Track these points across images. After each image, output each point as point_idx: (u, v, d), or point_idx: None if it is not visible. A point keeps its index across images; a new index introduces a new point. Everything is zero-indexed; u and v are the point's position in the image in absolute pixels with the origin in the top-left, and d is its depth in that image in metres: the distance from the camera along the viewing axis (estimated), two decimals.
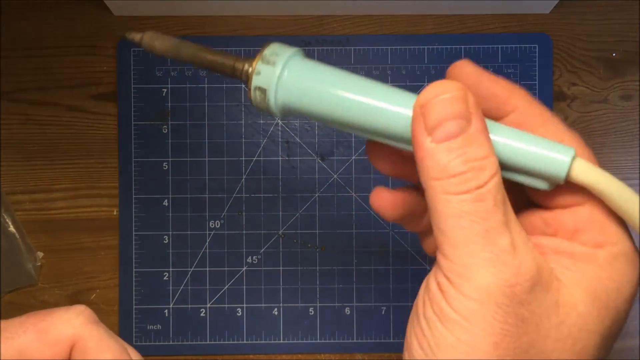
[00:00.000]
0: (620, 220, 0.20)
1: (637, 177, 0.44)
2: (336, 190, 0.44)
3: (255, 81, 0.21)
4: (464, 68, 0.23)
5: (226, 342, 0.44)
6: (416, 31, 0.45)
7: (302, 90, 0.20)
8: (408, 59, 0.44)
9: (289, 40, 0.44)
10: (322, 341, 0.44)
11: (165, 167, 0.44)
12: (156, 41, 0.23)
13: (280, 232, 0.44)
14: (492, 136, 0.20)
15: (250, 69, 0.21)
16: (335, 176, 0.44)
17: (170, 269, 0.44)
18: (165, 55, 0.22)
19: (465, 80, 0.22)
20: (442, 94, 0.19)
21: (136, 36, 0.24)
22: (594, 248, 0.20)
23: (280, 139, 0.44)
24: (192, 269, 0.44)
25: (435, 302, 0.19)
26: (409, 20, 0.45)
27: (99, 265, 0.44)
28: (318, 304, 0.44)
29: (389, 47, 0.44)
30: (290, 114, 0.21)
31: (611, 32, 0.45)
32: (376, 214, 0.42)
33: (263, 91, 0.20)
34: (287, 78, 0.20)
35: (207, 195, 0.44)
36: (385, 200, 0.24)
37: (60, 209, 0.44)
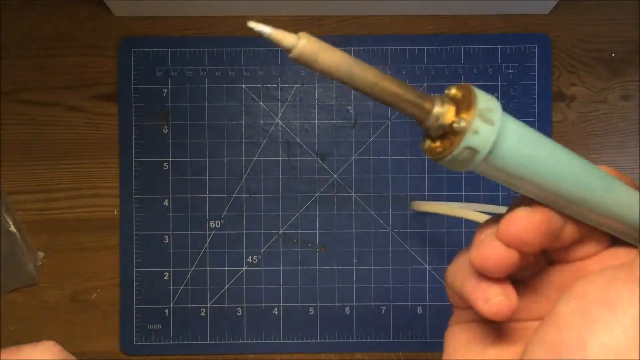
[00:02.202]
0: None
1: (637, 177, 0.44)
2: (336, 190, 0.44)
3: (470, 140, 0.17)
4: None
5: (226, 342, 0.44)
6: (416, 31, 0.45)
7: (523, 157, 0.18)
8: (408, 59, 0.44)
9: None
10: (322, 341, 0.44)
11: (165, 167, 0.44)
12: (322, 53, 0.17)
13: (280, 232, 0.44)
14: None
15: (465, 124, 0.17)
16: (335, 176, 0.44)
17: (171, 269, 0.44)
18: (327, 74, 0.17)
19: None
20: None
21: (288, 39, 0.16)
22: None
23: (280, 139, 0.44)
24: (192, 268, 0.44)
25: None
26: (409, 21, 0.45)
27: (100, 265, 0.44)
28: (318, 304, 0.44)
29: (389, 47, 0.44)
30: (490, 175, 0.19)
31: (611, 32, 0.45)
32: (376, 214, 0.42)
33: (474, 152, 0.17)
34: (508, 142, 0.18)
35: (207, 195, 0.44)
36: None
37: (60, 209, 0.44)
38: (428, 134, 0.18)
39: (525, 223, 0.19)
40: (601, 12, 0.45)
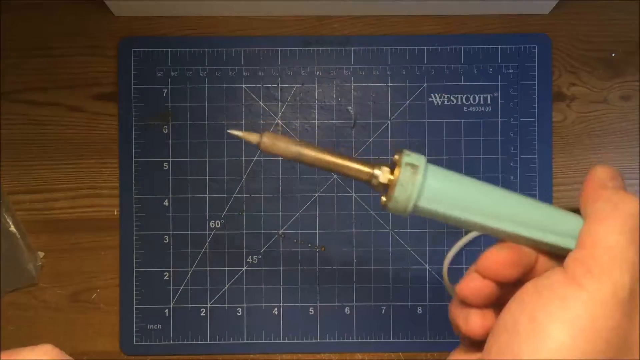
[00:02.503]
0: None
1: (637, 177, 0.44)
2: (336, 190, 0.44)
3: (396, 191, 0.22)
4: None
5: (226, 342, 0.44)
6: (416, 31, 0.45)
7: (448, 198, 0.22)
8: (408, 59, 0.44)
9: (289, 40, 0.44)
10: (322, 341, 0.44)
11: (165, 167, 0.44)
12: (277, 144, 0.23)
13: (280, 232, 0.44)
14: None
15: (393, 179, 0.22)
16: (335, 176, 0.44)
17: (171, 269, 0.44)
18: (284, 157, 0.23)
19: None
20: None
21: (253, 138, 0.23)
22: None
23: None
24: (192, 268, 0.44)
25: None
26: (409, 21, 0.45)
27: (100, 265, 0.44)
28: (318, 304, 0.44)
29: (389, 47, 0.44)
30: (432, 217, 0.23)
31: (610, 32, 0.45)
32: (376, 214, 0.42)
33: (405, 200, 0.22)
34: (431, 187, 0.22)
35: (207, 195, 0.44)
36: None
37: (60, 209, 0.44)
38: (378, 191, 0.23)
39: (495, 257, 0.22)
40: (601, 12, 0.45)
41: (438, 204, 0.22)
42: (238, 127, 0.44)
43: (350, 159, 0.23)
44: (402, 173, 0.22)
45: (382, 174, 0.22)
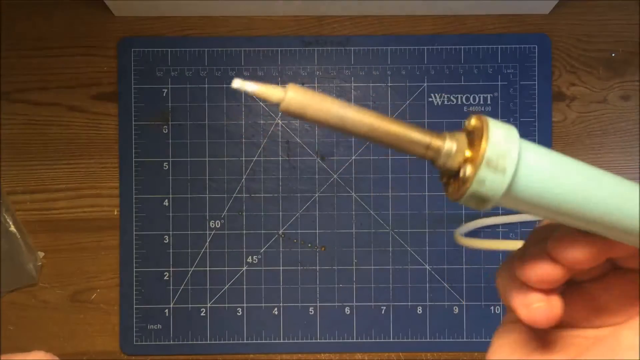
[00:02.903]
0: None
1: (637, 177, 0.44)
2: (336, 190, 0.44)
3: (476, 188, 0.16)
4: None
5: (226, 342, 0.44)
6: (416, 31, 0.45)
7: (543, 193, 0.17)
8: (408, 59, 0.44)
9: (289, 40, 0.44)
10: (322, 341, 0.44)
11: (165, 167, 0.44)
12: (310, 104, 0.17)
13: (280, 232, 0.44)
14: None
15: (469, 174, 0.16)
16: (335, 176, 0.44)
17: (171, 269, 0.44)
18: (319, 124, 0.17)
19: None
20: None
21: (274, 94, 0.16)
22: None
23: (280, 139, 0.44)
24: (192, 268, 0.44)
25: None
26: (409, 21, 0.45)
27: (100, 265, 0.44)
28: (318, 304, 0.44)
29: (389, 47, 0.44)
30: (506, 205, 0.18)
31: (610, 32, 0.45)
32: (376, 214, 0.42)
33: (482, 199, 0.17)
34: (521, 187, 0.17)
35: (207, 195, 0.44)
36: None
37: (60, 209, 0.44)
38: (445, 170, 0.17)
39: (576, 249, 0.18)
40: (601, 12, 0.45)
41: (538, 190, 0.17)
42: (238, 127, 0.44)
43: (407, 125, 0.17)
44: (490, 145, 0.16)
45: (457, 146, 0.16)
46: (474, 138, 0.16)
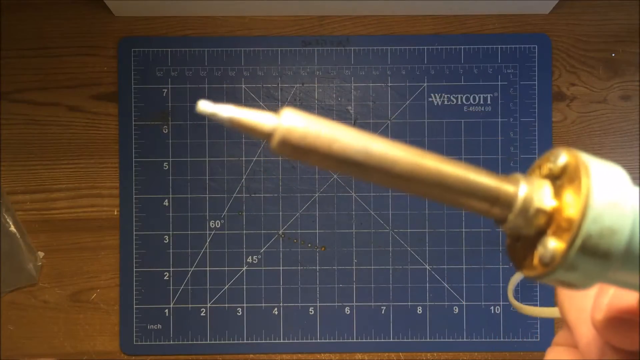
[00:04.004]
0: None
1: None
2: (336, 190, 0.44)
3: (562, 276, 0.11)
4: None
5: (226, 342, 0.44)
6: (416, 31, 0.45)
7: None
8: (408, 59, 0.44)
9: (289, 40, 0.44)
10: (322, 341, 0.44)
11: (165, 167, 0.44)
12: (321, 138, 0.11)
13: (280, 232, 0.44)
14: None
15: (552, 253, 0.11)
16: (335, 176, 0.44)
17: (171, 269, 0.44)
18: (330, 164, 0.12)
19: None
20: None
21: (261, 122, 0.12)
22: None
23: None
24: (192, 268, 0.44)
25: None
26: (409, 21, 0.45)
27: (100, 265, 0.44)
28: (318, 304, 0.44)
29: (389, 47, 0.44)
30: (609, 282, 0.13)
31: (611, 32, 0.45)
32: (376, 214, 0.42)
33: (570, 286, 0.12)
34: (628, 270, 0.11)
35: (207, 195, 0.44)
36: None
37: (60, 209, 0.44)
38: (514, 230, 0.12)
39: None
40: (601, 12, 0.45)
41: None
42: None
43: (465, 165, 0.12)
44: (592, 212, 0.11)
45: (536, 200, 0.11)
46: (563, 186, 0.11)
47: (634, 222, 0.10)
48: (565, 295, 0.16)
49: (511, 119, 0.44)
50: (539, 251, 0.11)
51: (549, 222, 0.11)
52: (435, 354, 0.44)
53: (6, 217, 0.44)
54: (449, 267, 0.44)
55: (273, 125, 0.11)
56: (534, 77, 0.44)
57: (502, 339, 0.44)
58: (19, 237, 0.44)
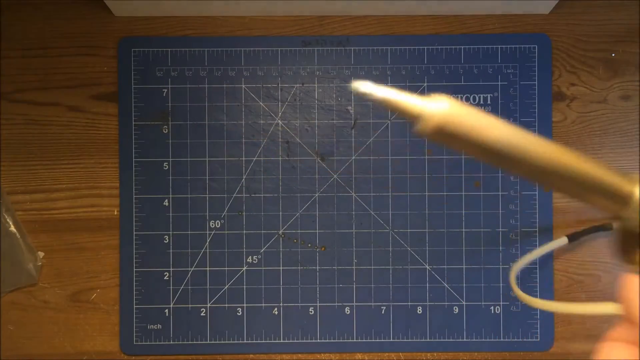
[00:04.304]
0: None
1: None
2: (336, 190, 0.44)
3: None
4: None
5: (226, 342, 0.44)
6: (416, 31, 0.45)
7: None
8: (408, 59, 0.44)
9: (289, 40, 0.44)
10: (322, 341, 0.44)
11: (165, 167, 0.44)
12: (475, 124, 0.12)
13: (280, 232, 0.44)
14: None
15: None
16: (335, 176, 0.44)
17: (171, 269, 0.44)
18: (480, 149, 0.12)
19: None
20: None
21: (416, 104, 0.13)
22: None
23: (280, 139, 0.44)
24: (192, 268, 0.44)
25: None
26: (409, 21, 0.45)
27: (100, 265, 0.44)
28: (318, 304, 0.44)
29: (389, 47, 0.44)
30: None
31: (610, 32, 0.45)
32: (376, 214, 0.42)
33: None
34: None
35: (207, 195, 0.44)
36: None
37: (60, 209, 0.44)
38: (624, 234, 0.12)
39: None
40: (601, 12, 0.45)
41: None
42: (238, 127, 0.44)
43: (599, 163, 0.12)
44: None
45: None
46: None
47: None
48: (633, 290, 0.16)
49: (511, 119, 0.44)
50: None
51: None
52: (435, 354, 0.44)
53: (6, 217, 0.44)
54: (449, 267, 0.44)
55: (431, 110, 0.12)
56: (534, 77, 0.44)
57: (502, 339, 0.44)
58: (19, 237, 0.44)
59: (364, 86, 0.12)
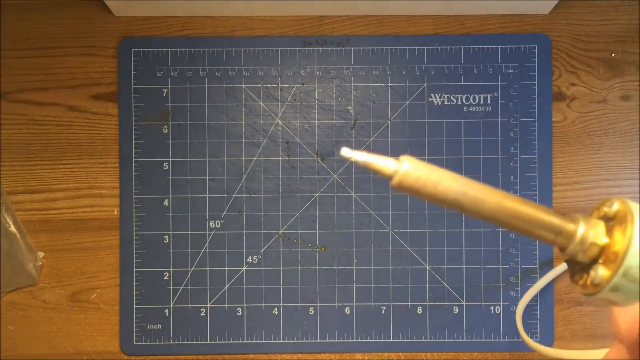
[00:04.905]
0: None
1: (637, 177, 0.44)
2: (336, 190, 0.44)
3: (608, 295, 0.15)
4: None
5: (226, 342, 0.44)
6: (416, 31, 0.45)
7: None
8: (408, 59, 0.44)
9: (289, 40, 0.44)
10: (322, 341, 0.44)
11: (165, 167, 0.44)
12: (427, 180, 0.15)
13: (280, 232, 0.44)
14: None
15: (601, 278, 0.15)
16: (335, 176, 0.44)
17: (171, 269, 0.44)
18: (435, 201, 0.16)
19: None
20: None
21: (385, 166, 0.16)
22: None
23: (280, 139, 0.44)
24: (192, 268, 0.44)
25: None
26: (409, 21, 0.45)
27: (100, 265, 0.44)
28: (318, 304, 0.44)
29: (389, 47, 0.44)
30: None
31: (610, 32, 0.45)
32: (376, 214, 0.42)
33: (612, 303, 0.16)
34: None
35: (207, 195, 0.44)
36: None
37: (60, 209, 0.44)
38: (574, 257, 0.16)
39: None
40: (601, 12, 0.45)
41: None
42: (238, 127, 0.44)
43: (537, 206, 0.15)
44: (633, 249, 0.14)
45: (592, 236, 0.15)
46: (614, 227, 0.15)
47: None
48: (619, 311, 0.18)
49: (511, 119, 0.44)
50: (591, 275, 0.15)
51: (600, 253, 0.15)
52: (435, 354, 0.44)
53: (6, 217, 0.44)
54: (449, 267, 0.44)
55: (394, 169, 0.16)
56: (534, 77, 0.44)
57: (502, 339, 0.44)
58: (19, 237, 0.44)
59: (347, 152, 0.16)
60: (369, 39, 0.45)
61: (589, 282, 0.15)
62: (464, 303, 0.44)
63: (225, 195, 0.44)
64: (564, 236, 0.15)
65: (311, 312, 0.44)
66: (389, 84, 0.44)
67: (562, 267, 0.43)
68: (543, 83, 0.44)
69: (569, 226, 0.15)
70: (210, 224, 0.44)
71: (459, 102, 0.44)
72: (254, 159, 0.44)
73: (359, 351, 0.44)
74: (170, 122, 0.44)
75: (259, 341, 0.44)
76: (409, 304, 0.44)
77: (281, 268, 0.44)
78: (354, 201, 0.44)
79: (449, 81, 0.44)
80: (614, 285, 0.15)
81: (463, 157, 0.44)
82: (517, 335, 0.44)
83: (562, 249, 0.16)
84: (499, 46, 0.44)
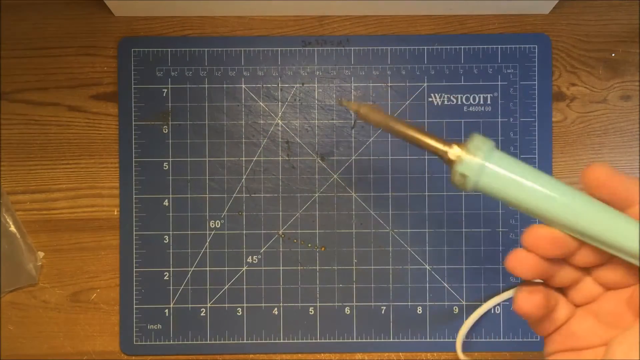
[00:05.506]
0: None
1: (637, 177, 0.44)
2: (336, 190, 0.44)
3: (459, 167, 0.24)
4: (595, 172, 0.25)
5: (226, 342, 0.44)
6: (416, 31, 0.45)
7: (506, 184, 0.24)
8: (408, 59, 0.44)
9: (289, 40, 0.44)
10: (322, 341, 0.44)
11: (165, 167, 0.44)
12: (371, 114, 0.27)
13: (280, 232, 0.44)
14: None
15: (456, 157, 0.24)
16: (335, 176, 0.44)
17: (171, 269, 0.44)
18: (377, 126, 0.27)
19: (596, 181, 0.24)
20: None
21: (353, 106, 0.27)
22: None
23: (280, 139, 0.44)
24: (192, 268, 0.44)
25: None
26: (409, 21, 0.45)
27: (100, 265, 0.44)
28: (318, 304, 0.44)
29: (389, 47, 0.44)
30: (483, 193, 0.25)
31: (610, 32, 0.45)
32: (376, 214, 0.42)
33: (464, 176, 0.24)
34: (491, 171, 0.24)
35: (207, 195, 0.44)
36: (526, 263, 0.25)
37: (60, 209, 0.44)
38: (449, 166, 0.25)
39: (537, 233, 0.24)
40: (601, 12, 0.45)
41: (495, 185, 0.24)
42: (238, 127, 0.44)
43: (431, 136, 0.25)
44: (466, 153, 0.24)
45: (452, 151, 0.25)
46: (467, 148, 0.25)
47: (489, 149, 0.24)
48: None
49: (511, 119, 0.44)
50: (452, 159, 0.25)
51: (456, 159, 0.24)
52: (435, 354, 0.44)
53: (6, 217, 0.44)
54: (449, 267, 0.44)
55: (356, 109, 0.28)
56: (534, 77, 0.44)
57: (502, 339, 0.44)
58: (19, 237, 0.44)
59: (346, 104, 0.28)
60: (369, 39, 0.45)
61: (452, 170, 0.25)
62: (464, 303, 0.44)
63: (225, 195, 0.44)
64: (441, 151, 0.25)
65: (311, 312, 0.44)
66: (389, 84, 0.44)
67: (508, 293, 0.43)
68: (543, 83, 0.44)
69: (444, 147, 0.25)
70: (210, 224, 0.44)
71: (459, 102, 0.44)
72: (254, 159, 0.44)
73: (359, 351, 0.44)
74: (170, 122, 0.44)
75: (259, 341, 0.44)
76: (409, 304, 0.44)
77: (281, 268, 0.44)
78: (354, 201, 0.44)
79: (449, 81, 0.44)
80: (461, 158, 0.24)
81: None
82: (518, 335, 0.44)
83: (440, 157, 0.25)
84: (499, 46, 0.44)
